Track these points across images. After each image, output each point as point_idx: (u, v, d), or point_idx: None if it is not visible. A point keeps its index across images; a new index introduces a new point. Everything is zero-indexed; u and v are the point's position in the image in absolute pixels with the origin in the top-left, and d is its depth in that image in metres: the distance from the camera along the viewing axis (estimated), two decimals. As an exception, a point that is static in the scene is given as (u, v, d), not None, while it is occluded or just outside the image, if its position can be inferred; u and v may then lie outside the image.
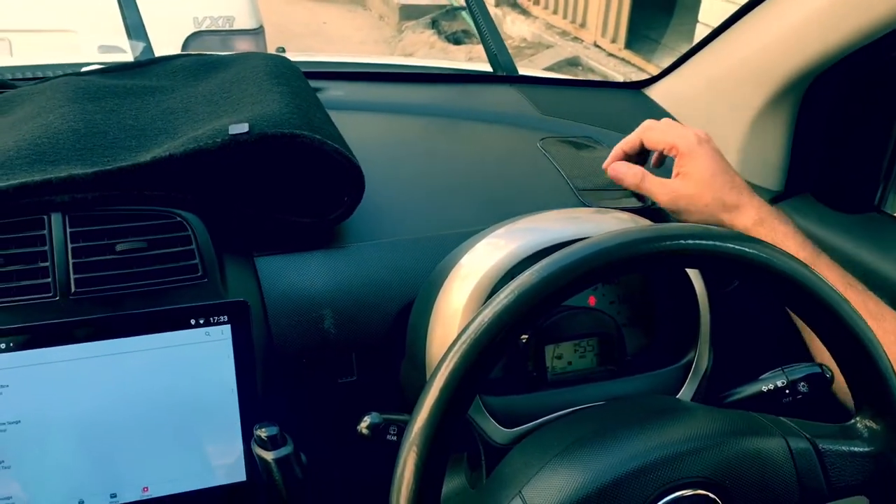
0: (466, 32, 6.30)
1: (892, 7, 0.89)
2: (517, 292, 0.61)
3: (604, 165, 1.03)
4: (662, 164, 1.04)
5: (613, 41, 5.32)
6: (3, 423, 0.74)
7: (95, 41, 2.21)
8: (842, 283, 0.87)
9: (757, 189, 1.08)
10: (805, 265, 0.66)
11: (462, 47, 5.96)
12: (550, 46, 5.72)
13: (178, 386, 0.78)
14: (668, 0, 5.43)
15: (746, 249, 0.65)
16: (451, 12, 6.57)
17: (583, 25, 5.67)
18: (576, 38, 5.70)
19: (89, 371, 0.76)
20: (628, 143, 1.00)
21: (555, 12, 5.97)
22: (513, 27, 6.21)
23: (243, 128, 0.83)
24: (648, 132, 0.98)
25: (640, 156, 1.01)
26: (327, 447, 0.86)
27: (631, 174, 0.98)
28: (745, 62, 1.10)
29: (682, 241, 0.65)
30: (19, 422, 0.74)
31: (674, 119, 1.24)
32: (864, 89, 1.05)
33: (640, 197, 1.03)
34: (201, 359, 0.79)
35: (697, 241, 0.65)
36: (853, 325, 0.66)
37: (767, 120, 1.10)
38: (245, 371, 0.80)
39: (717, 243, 0.65)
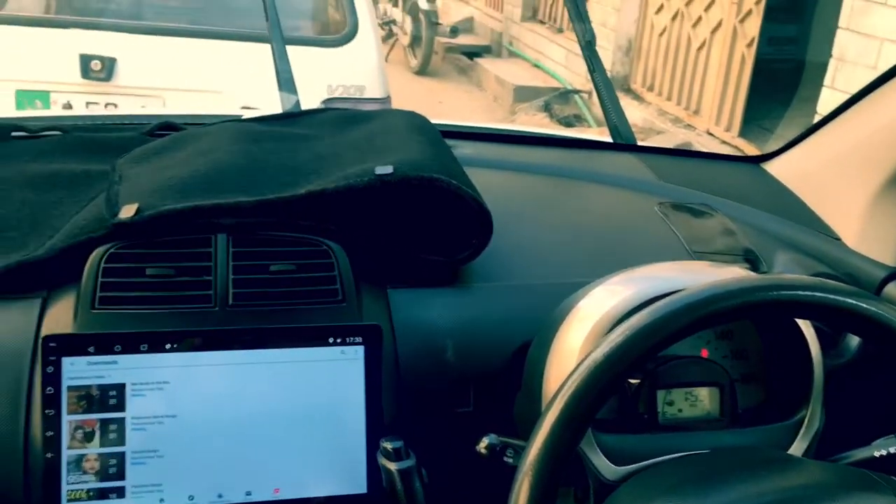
0: (577, 117, 6.42)
1: None
2: (628, 333, 0.66)
3: None
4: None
5: (727, 129, 5.31)
6: (162, 417, 0.82)
7: (239, 101, 2.41)
8: None
9: (871, 264, 1.09)
10: None
11: (573, 129, 6.07)
12: (661, 132, 5.77)
13: (312, 397, 0.85)
14: (786, 91, 5.41)
15: (863, 305, 0.68)
16: (564, 95, 6.72)
17: (696, 112, 5.69)
18: (688, 126, 5.72)
19: (238, 376, 0.84)
20: None
21: (668, 98, 6.02)
22: (625, 112, 6.30)
23: (388, 169, 0.92)
24: None
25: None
26: (446, 467, 0.90)
27: None
28: (867, 140, 1.13)
29: (798, 292, 0.69)
30: (175, 416, 0.83)
31: (793, 195, 1.27)
32: None
33: (754, 265, 1.06)
34: (335, 374, 0.86)
35: (810, 293, 0.68)
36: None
37: (888, 198, 1.12)
38: (374, 389, 0.87)
39: (830, 296, 0.68)
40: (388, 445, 0.80)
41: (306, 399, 0.86)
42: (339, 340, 0.87)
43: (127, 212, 0.87)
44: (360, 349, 0.87)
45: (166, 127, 1.19)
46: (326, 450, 0.86)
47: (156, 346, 0.83)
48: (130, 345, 0.82)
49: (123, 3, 2.81)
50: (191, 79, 2.62)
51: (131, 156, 1.04)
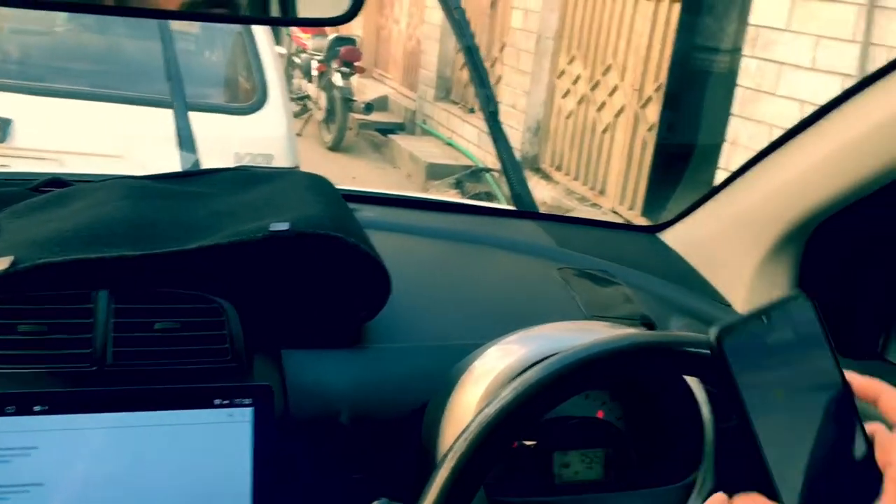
0: (488, 194, 6.54)
1: (886, 160, 0.97)
2: (519, 390, 0.66)
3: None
4: None
5: (631, 208, 5.51)
6: (27, 485, 0.76)
7: (141, 166, 2.36)
8: None
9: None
10: None
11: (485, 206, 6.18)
12: (569, 210, 5.93)
13: (196, 463, 0.81)
14: (685, 172, 5.66)
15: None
16: (475, 173, 6.85)
17: (602, 192, 5.88)
18: (595, 204, 5.90)
19: (114, 440, 0.79)
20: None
21: (576, 178, 6.22)
22: (534, 191, 6.45)
23: (284, 226, 0.90)
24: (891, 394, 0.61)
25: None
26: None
27: None
28: (751, 210, 1.18)
29: (688, 349, 0.70)
30: (42, 485, 0.77)
31: (686, 262, 1.31)
32: (866, 237, 1.11)
33: (650, 328, 1.08)
34: (221, 438, 0.82)
35: (698, 350, 0.69)
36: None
37: (773, 265, 1.16)
38: (262, 454, 0.83)
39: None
40: (274, 513, 0.76)
41: (189, 464, 0.81)
42: (226, 402, 0.83)
43: (1, 265, 0.82)
44: (249, 411, 0.83)
45: (54, 183, 1.14)
46: (208, 519, 0.81)
47: (24, 408, 0.77)
48: (-5, 407, 0.76)
49: (23, 64, 2.75)
50: (91, 142, 2.56)
51: (12, 210, 0.99)
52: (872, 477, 0.58)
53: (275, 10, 0.95)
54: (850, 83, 1.04)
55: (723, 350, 0.56)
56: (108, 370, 0.81)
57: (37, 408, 0.77)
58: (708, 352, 0.69)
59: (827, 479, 0.58)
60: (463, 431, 0.65)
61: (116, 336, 0.83)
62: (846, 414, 0.59)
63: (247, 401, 0.83)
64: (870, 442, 0.59)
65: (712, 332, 0.56)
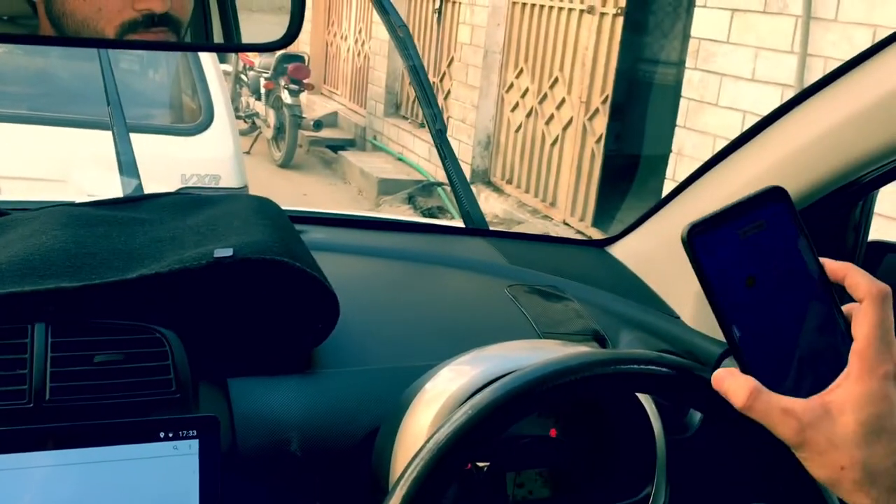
0: (441, 209, 6.56)
1: (827, 171, 0.99)
2: (471, 413, 0.65)
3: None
4: None
5: (581, 219, 5.57)
6: (-40, 529, 0.73)
7: (84, 191, 2.31)
8: None
9: (709, 342, 1.14)
10: None
11: (436, 221, 6.19)
12: (521, 223, 5.97)
13: (140, 497, 0.78)
14: (633, 183, 5.74)
15: (693, 376, 0.70)
16: (427, 188, 6.87)
17: (553, 204, 5.94)
18: (546, 216, 5.95)
19: (55, 479, 0.76)
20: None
21: (527, 191, 6.27)
22: (486, 204, 6.49)
23: (227, 252, 0.88)
24: (856, 272, 0.64)
25: None
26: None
27: (742, 388, 0.62)
28: (697, 222, 1.19)
29: (639, 366, 0.70)
30: (-23, 528, 0.73)
31: (635, 276, 1.32)
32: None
33: (601, 344, 1.08)
34: (167, 472, 0.80)
35: (648, 367, 0.70)
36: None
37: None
38: (209, 486, 0.80)
39: (667, 370, 0.70)
40: (222, 548, 0.74)
41: (133, 501, 0.78)
42: (170, 435, 0.80)
43: (-70, 301, 0.79)
44: (195, 443, 0.81)
45: (-10, 212, 1.10)
46: (155, 557, 0.78)
47: (-43, 449, 0.74)
48: (-76, 449, 0.73)
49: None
50: (31, 167, 2.49)
51: (-57, 242, 0.95)
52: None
53: (217, 37, 0.95)
54: (789, 93, 1.06)
55: (693, 244, 0.61)
56: (47, 406, 0.78)
57: (-30, 449, 0.74)
58: (661, 369, 0.69)
59: (807, 357, 0.62)
60: (415, 456, 0.64)
61: (54, 371, 0.80)
62: (823, 295, 0.63)
63: (192, 432, 0.81)
64: (847, 321, 0.63)
65: (684, 230, 0.61)
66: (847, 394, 0.60)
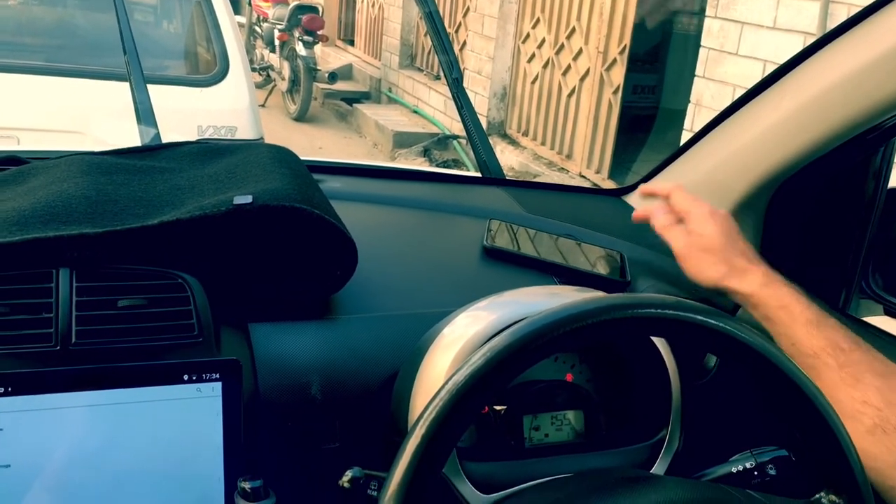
0: (456, 161, 6.53)
1: (844, 117, 0.98)
2: (489, 355, 0.66)
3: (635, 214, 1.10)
4: None
5: (598, 172, 5.53)
6: (-7, 467, 0.75)
7: (103, 142, 2.32)
8: (848, 341, 0.88)
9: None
10: (769, 342, 0.70)
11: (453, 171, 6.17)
12: (537, 175, 5.94)
13: (166, 438, 0.80)
14: (650, 134, 5.69)
15: (720, 324, 0.70)
16: (443, 141, 6.83)
17: (569, 156, 5.89)
18: (562, 169, 5.91)
19: (82, 419, 0.78)
20: (658, 188, 1.08)
21: (543, 143, 6.22)
22: (501, 156, 6.46)
23: (247, 199, 0.89)
24: (678, 194, 1.04)
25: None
26: (308, 505, 0.87)
27: (662, 216, 1.04)
28: (714, 170, 1.19)
29: (653, 310, 0.70)
30: (9, 466, 0.76)
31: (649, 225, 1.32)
32: (827, 196, 1.12)
33: (622, 283, 1.09)
34: (191, 414, 0.82)
35: (666, 311, 0.70)
36: (815, 401, 0.70)
37: (737, 224, 1.17)
38: (232, 428, 0.82)
39: (686, 314, 0.70)
40: (247, 485, 0.76)
41: (159, 440, 0.80)
42: (194, 377, 0.82)
43: (-43, 246, 0.81)
44: (218, 386, 0.83)
45: (10, 161, 1.12)
46: (182, 492, 0.80)
47: (-13, 390, 0.76)
48: (-42, 390, 0.75)
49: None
50: (49, 118, 2.50)
51: (-33, 190, 0.97)
52: None
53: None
54: (810, 41, 1.04)
55: None
56: (73, 349, 0.80)
57: (0, 389, 0.76)
58: (678, 313, 0.70)
59: None
60: (433, 398, 0.65)
61: (79, 314, 0.82)
62: None
63: (215, 375, 0.83)
64: None
65: None
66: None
